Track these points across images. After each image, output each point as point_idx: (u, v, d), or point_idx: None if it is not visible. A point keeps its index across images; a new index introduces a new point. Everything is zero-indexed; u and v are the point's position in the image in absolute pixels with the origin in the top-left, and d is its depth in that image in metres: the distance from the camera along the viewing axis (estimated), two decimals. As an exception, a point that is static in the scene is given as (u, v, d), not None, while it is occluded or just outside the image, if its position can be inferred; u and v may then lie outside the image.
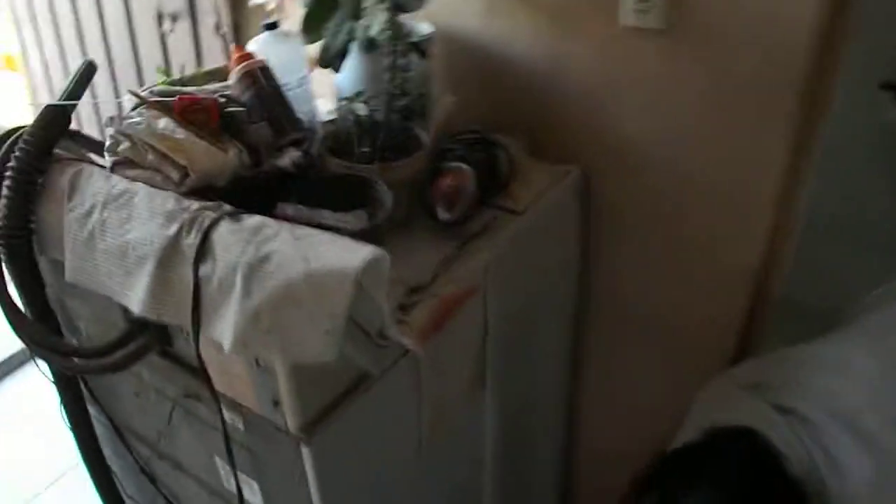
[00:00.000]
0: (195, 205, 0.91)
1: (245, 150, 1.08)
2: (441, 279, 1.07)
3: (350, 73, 1.30)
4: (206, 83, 1.41)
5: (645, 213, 1.42)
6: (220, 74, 1.41)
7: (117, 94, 2.13)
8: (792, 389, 1.19)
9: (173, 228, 0.88)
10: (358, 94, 1.12)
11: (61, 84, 2.51)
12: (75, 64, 1.16)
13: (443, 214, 1.11)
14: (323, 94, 1.44)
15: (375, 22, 1.14)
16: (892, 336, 1.25)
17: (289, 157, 1.06)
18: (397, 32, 1.15)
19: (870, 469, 1.06)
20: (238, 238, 0.84)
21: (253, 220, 0.88)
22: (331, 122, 1.23)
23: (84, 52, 2.25)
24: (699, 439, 1.17)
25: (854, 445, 1.08)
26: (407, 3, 1.16)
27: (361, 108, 1.09)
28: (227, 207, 0.91)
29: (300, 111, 1.21)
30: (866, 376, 1.16)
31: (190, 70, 1.47)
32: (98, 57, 2.16)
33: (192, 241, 0.87)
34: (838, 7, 1.10)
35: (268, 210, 0.97)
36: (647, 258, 1.47)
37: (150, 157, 1.01)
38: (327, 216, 0.99)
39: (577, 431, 1.83)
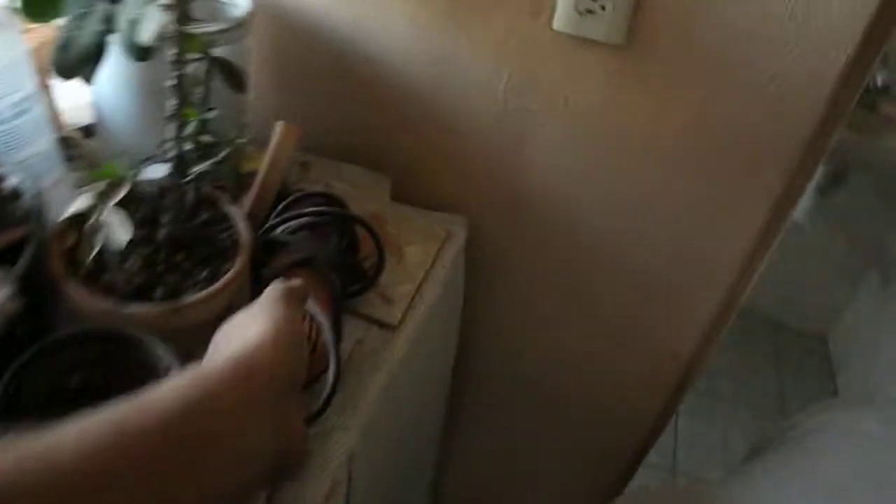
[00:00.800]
0: None
1: None
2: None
3: (114, 84, 0.78)
4: None
5: (551, 280, 1.03)
6: None
7: None
8: None
9: None
10: (121, 169, 0.61)
11: None
12: None
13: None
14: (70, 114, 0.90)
15: (145, 18, 0.62)
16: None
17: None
18: (187, 41, 0.65)
19: None
20: None
21: None
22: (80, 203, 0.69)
23: None
24: None
25: None
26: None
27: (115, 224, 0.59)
28: None
29: (19, 170, 0.68)
30: None
31: None
32: None
33: None
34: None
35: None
36: (545, 332, 1.10)
37: None
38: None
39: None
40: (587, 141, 0.87)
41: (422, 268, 0.87)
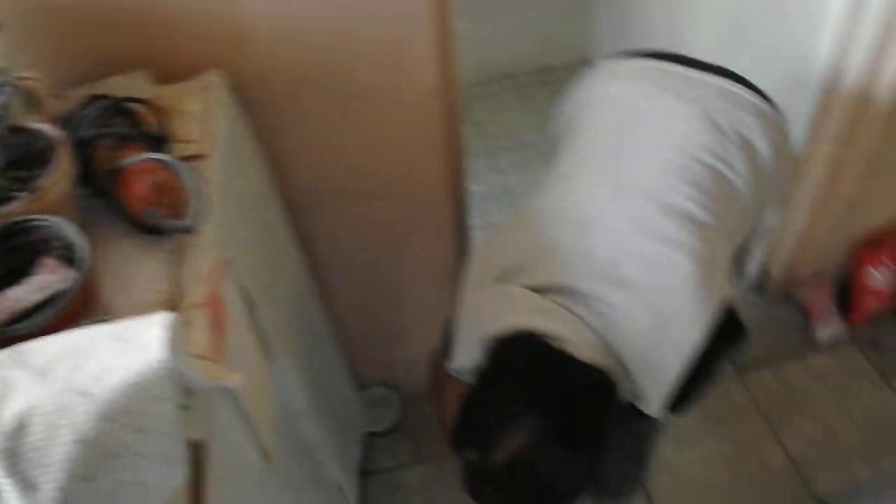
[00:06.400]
0: None
1: None
2: (185, 283, 0.84)
3: None
4: None
5: (311, 99, 1.26)
6: None
7: None
8: (544, 263, 1.07)
9: None
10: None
11: None
12: None
13: (171, 223, 0.87)
14: None
15: None
16: (617, 166, 1.15)
17: None
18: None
19: (645, 314, 1.01)
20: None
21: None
22: None
23: None
24: (486, 367, 1.03)
25: (625, 299, 1.01)
26: None
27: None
28: None
29: None
30: (608, 223, 1.07)
31: None
32: None
33: None
34: None
35: None
36: (320, 133, 1.33)
37: None
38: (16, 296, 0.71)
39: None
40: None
41: (202, 109, 1.06)
